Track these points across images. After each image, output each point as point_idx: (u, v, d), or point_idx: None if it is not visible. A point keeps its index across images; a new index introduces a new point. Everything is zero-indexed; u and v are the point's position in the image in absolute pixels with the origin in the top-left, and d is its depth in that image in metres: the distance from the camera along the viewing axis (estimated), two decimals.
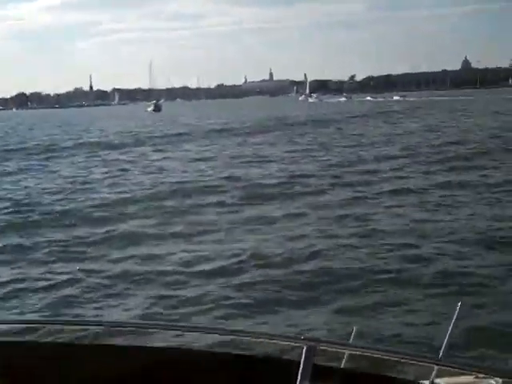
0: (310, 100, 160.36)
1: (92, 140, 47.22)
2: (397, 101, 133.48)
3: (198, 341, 5.04)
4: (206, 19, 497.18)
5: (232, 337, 2.98)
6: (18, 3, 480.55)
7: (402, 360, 2.52)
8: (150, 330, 3.68)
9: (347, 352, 2.84)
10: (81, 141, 46.49)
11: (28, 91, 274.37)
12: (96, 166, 29.95)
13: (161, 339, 4.97)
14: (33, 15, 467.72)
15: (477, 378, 2.77)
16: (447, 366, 2.57)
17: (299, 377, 2.31)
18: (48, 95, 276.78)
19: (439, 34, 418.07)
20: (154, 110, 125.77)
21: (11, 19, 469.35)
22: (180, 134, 49.36)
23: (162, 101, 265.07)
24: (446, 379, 2.93)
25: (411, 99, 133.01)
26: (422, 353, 3.17)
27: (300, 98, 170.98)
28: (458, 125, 47.72)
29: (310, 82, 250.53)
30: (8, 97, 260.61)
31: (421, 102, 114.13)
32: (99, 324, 3.93)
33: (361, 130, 46.16)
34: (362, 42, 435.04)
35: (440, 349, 2.96)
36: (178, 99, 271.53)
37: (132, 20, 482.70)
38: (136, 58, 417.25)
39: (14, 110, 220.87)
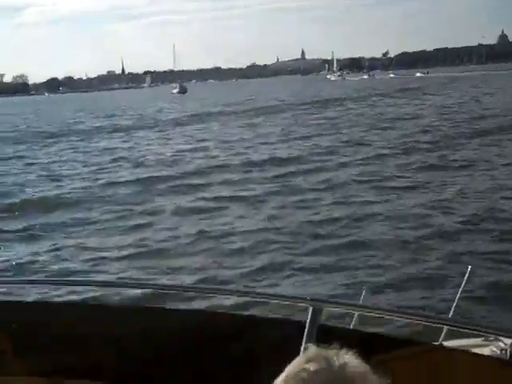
0: (332, 78, 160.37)
1: None
2: (419, 77, 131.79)
3: (204, 301, 5.15)
4: (236, 0, 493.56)
5: (238, 298, 3.03)
6: None
7: (412, 320, 2.52)
8: (158, 292, 3.78)
9: (356, 313, 2.86)
10: None
11: (61, 76, 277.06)
12: None
13: (165, 301, 5.17)
14: (66, 1, 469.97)
15: (486, 340, 2.88)
16: (457, 327, 2.52)
17: (305, 338, 2.29)
18: (80, 79, 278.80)
19: (476, 6, 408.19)
20: (179, 92, 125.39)
21: (44, 4, 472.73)
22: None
23: (194, 82, 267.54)
24: (455, 341, 2.99)
25: (433, 75, 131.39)
26: (433, 313, 3.27)
27: (327, 76, 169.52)
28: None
29: (343, 60, 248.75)
30: (40, 82, 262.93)
31: (443, 77, 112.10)
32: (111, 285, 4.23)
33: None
34: (398, 17, 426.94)
35: (450, 309, 3.08)
36: (210, 80, 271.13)
37: (165, 2, 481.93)
38: (169, 39, 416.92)
39: (46, 94, 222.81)
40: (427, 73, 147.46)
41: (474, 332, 2.65)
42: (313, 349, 1.37)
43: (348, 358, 1.34)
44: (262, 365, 1.60)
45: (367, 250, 10.44)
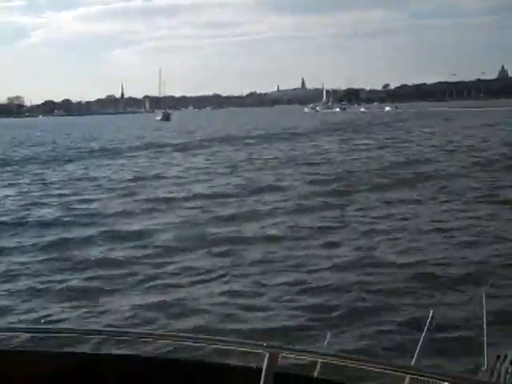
0: (306, 110, 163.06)
1: None
2: (387, 111, 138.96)
3: (160, 348, 5.02)
4: (240, 27, 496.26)
5: (193, 343, 2.97)
6: (56, 11, 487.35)
7: (374, 369, 2.46)
8: (114, 338, 3.64)
9: (319, 360, 2.81)
10: None
11: (59, 99, 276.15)
12: None
13: (119, 347, 5.23)
14: (70, 23, 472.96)
15: None
16: (420, 375, 2.52)
17: None
18: (79, 102, 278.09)
19: (476, 42, 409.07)
20: (161, 119, 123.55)
21: (48, 27, 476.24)
22: None
23: (191, 108, 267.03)
24: None
25: (402, 110, 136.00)
26: (395, 361, 3.17)
27: (305, 109, 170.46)
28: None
29: (342, 90, 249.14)
30: (36, 104, 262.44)
31: (408, 113, 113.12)
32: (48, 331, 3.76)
33: None
34: (398, 49, 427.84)
35: (413, 357, 3.01)
36: (208, 107, 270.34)
37: (167, 28, 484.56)
38: (169, 65, 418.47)
39: (40, 117, 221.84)
40: (396, 108, 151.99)
41: (438, 380, 2.54)
42: None
43: None
44: None
45: None
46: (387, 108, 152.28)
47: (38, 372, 2.65)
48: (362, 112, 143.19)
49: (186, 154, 40.28)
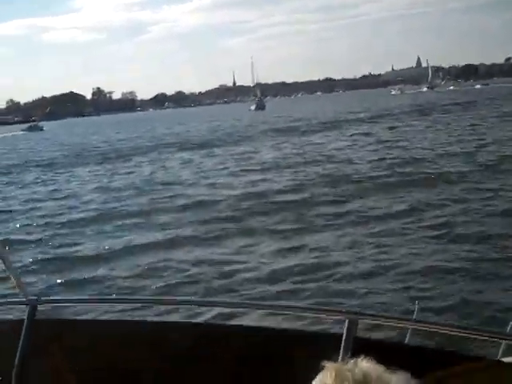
0: (393, 92, 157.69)
1: None
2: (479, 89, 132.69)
3: (241, 316, 5.18)
4: (353, 9, 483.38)
5: (272, 311, 3.00)
6: (170, 5, 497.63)
7: (465, 335, 2.35)
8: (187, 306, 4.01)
9: (394, 325, 2.68)
10: None
11: (171, 91, 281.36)
12: None
13: (205, 315, 5.72)
14: (185, 16, 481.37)
15: None
16: None
17: (341, 350, 2.26)
18: (193, 93, 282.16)
19: None
20: (256, 109, 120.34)
21: (165, 21, 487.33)
22: None
23: (300, 94, 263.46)
24: None
25: (496, 85, 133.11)
26: (489, 327, 3.05)
27: (391, 92, 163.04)
28: None
29: (458, 67, 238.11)
30: (148, 98, 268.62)
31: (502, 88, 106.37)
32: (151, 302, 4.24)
33: None
34: None
35: (507, 323, 2.94)
36: (318, 92, 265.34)
37: (279, 15, 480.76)
38: (282, 51, 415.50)
39: (150, 110, 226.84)
40: (487, 84, 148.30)
41: None
42: (328, 365, 1.37)
43: (366, 367, 1.33)
44: (298, 380, 1.64)
45: None
46: (478, 86, 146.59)
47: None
48: (451, 91, 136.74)
49: None
